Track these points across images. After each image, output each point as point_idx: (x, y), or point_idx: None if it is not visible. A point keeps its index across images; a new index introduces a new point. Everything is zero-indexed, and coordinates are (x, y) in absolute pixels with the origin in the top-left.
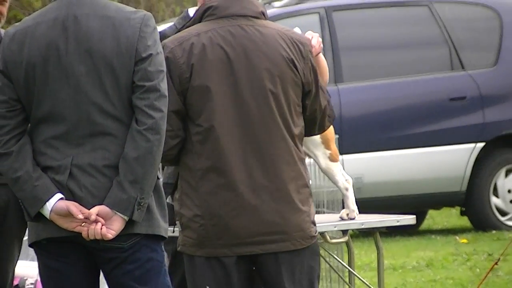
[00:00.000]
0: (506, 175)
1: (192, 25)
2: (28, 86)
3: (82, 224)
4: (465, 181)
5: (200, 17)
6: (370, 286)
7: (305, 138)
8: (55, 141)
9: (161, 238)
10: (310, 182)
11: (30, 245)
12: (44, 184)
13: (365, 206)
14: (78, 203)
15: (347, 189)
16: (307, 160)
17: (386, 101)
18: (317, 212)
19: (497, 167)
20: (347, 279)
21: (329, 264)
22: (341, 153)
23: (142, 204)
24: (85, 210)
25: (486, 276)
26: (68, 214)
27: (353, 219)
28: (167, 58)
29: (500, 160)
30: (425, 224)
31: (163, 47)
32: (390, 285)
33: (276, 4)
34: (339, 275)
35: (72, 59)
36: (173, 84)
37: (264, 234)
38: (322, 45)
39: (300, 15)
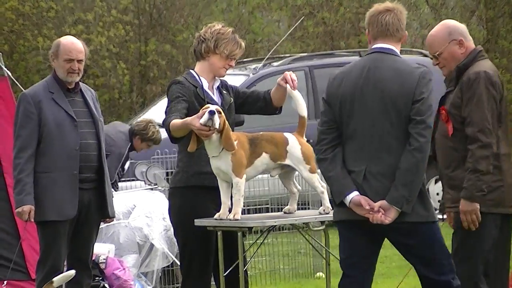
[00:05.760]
0: (435, 183)
1: None
2: (340, 112)
3: (370, 212)
4: None
5: None
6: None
7: (292, 156)
8: (355, 153)
9: (423, 223)
10: (299, 187)
11: (334, 222)
12: (347, 183)
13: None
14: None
15: (323, 192)
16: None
17: None
18: (303, 208)
19: (428, 177)
20: (324, 255)
21: (312, 245)
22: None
23: (410, 200)
24: (372, 203)
25: None
26: (361, 204)
27: (328, 213)
28: None
29: (430, 173)
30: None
31: None
32: None
33: (274, 64)
34: (318, 252)
35: (370, 97)
36: None
37: None
38: (296, 82)
39: (292, 71)
